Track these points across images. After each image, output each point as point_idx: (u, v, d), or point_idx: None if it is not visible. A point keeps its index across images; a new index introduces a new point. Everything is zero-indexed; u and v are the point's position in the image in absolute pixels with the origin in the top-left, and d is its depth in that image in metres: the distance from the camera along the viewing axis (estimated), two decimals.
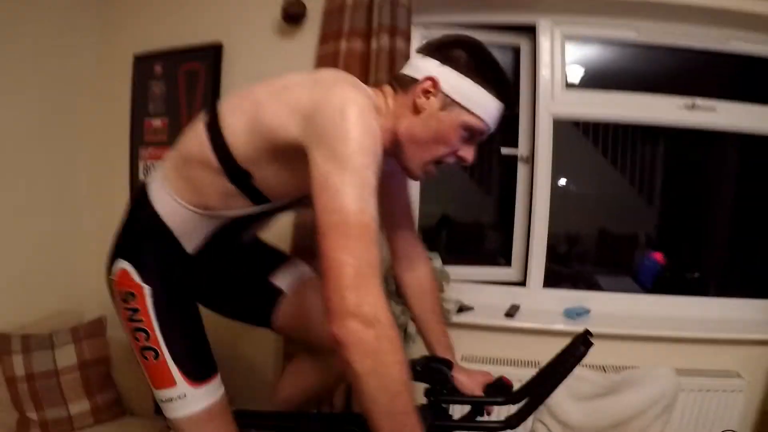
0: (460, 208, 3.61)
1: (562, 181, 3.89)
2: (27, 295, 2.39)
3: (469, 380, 1.51)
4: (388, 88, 1.29)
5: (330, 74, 1.20)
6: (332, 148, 1.01)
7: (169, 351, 1.28)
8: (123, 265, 1.31)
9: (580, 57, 2.67)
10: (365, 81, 2.09)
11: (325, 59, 2.14)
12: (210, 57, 2.45)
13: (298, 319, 1.59)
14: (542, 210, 2.33)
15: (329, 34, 2.15)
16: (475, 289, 2.42)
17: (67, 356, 2.26)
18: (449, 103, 1.19)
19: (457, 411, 1.49)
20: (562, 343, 1.95)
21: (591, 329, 1.25)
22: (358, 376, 0.94)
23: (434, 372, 1.44)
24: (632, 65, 2.99)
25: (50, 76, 2.49)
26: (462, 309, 2.27)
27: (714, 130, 2.31)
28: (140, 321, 1.29)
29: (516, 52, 2.46)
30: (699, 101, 2.28)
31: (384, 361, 0.95)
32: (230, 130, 1.20)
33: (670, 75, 2.82)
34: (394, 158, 1.28)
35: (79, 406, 2.22)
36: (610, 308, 2.31)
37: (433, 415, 1.39)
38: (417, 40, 2.41)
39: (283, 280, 1.62)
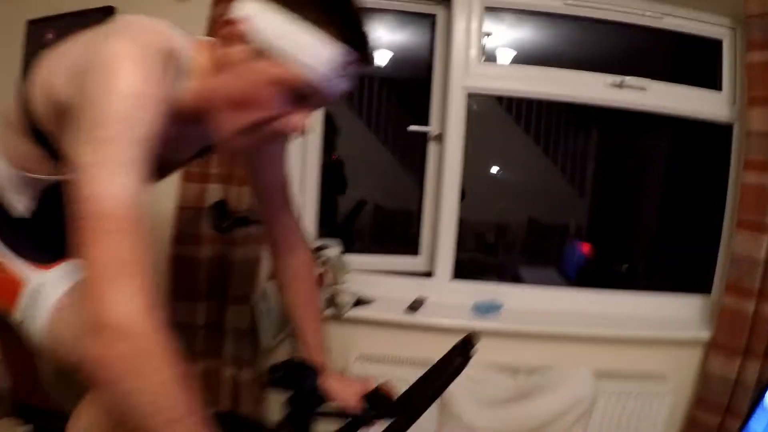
0: (389, 194, 3.38)
1: (494, 169, 3.71)
2: None
3: (343, 389, 1.27)
4: (212, 44, 0.95)
5: (118, 23, 0.90)
6: (89, 116, 0.78)
7: (14, 252, 1.06)
8: None
9: (513, 40, 2.45)
10: None
11: (217, 21, 1.86)
12: (103, 21, 2.15)
13: None
14: (451, 193, 2.08)
15: None
16: (378, 280, 2.16)
17: None
18: (260, 50, 0.86)
19: None
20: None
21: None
22: (111, 396, 0.74)
23: (297, 378, 1.21)
24: (563, 46, 2.79)
25: None
26: (360, 302, 2.01)
27: (642, 111, 2.11)
28: None
29: (434, 22, 2.21)
30: (628, 79, 2.09)
31: (145, 382, 0.72)
32: (39, 91, 0.93)
33: (602, 54, 2.64)
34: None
35: None
36: (528, 303, 2.09)
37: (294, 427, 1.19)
38: None
39: None
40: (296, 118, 0.91)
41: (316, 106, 0.95)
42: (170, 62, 0.86)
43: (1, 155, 1.07)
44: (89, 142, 0.76)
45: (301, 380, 1.21)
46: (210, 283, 1.97)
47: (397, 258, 2.23)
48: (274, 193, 1.29)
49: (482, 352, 1.81)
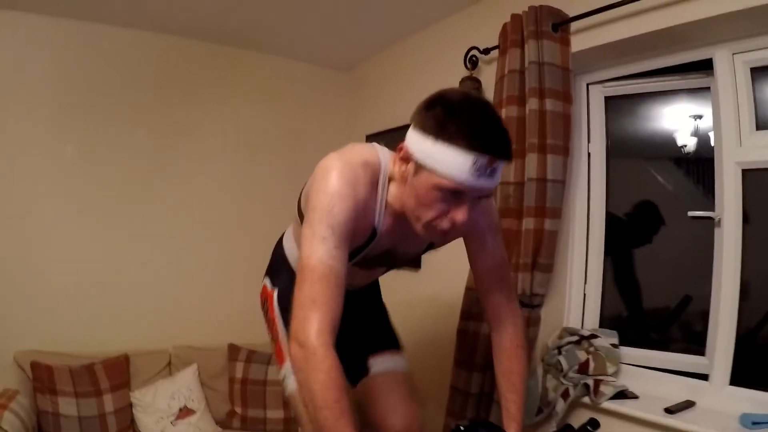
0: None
1: None
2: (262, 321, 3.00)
3: None
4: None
5: (342, 148, 1.33)
6: (309, 206, 1.22)
7: (285, 334, 1.54)
8: (264, 281, 1.73)
9: None
10: (521, 144, 2.15)
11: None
12: None
13: (366, 399, 1.71)
14: (729, 285, 1.84)
15: (497, 103, 2.23)
16: (654, 377, 2.04)
17: (276, 372, 2.74)
18: (419, 166, 1.17)
19: None
20: None
21: None
22: (298, 386, 1.13)
23: None
24: None
25: (304, 147, 3.33)
26: (624, 396, 1.95)
27: None
28: (268, 315, 1.65)
29: None
30: None
31: (308, 378, 1.08)
32: (303, 194, 1.44)
33: None
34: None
35: (275, 413, 2.66)
36: None
37: None
38: (596, 98, 2.33)
39: (375, 364, 1.73)
40: (457, 214, 1.18)
41: (473, 200, 1.19)
42: (370, 170, 1.26)
43: (292, 239, 1.63)
44: (306, 223, 1.20)
45: None
46: (486, 356, 2.22)
47: (680, 356, 2.06)
48: (488, 275, 1.52)
49: None
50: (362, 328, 1.71)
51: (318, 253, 1.14)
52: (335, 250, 1.15)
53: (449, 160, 1.12)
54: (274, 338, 1.61)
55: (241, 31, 3.11)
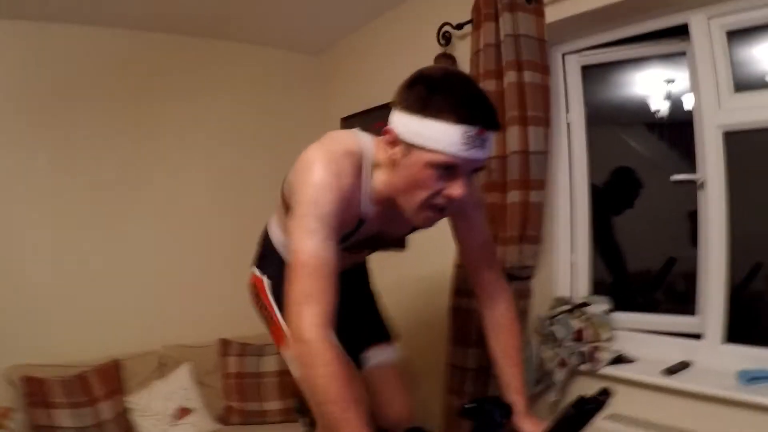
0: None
1: None
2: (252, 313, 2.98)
3: (533, 430, 1.38)
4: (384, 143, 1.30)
5: (323, 137, 1.32)
6: (295, 199, 1.23)
7: (281, 316, 1.51)
8: (252, 270, 1.70)
9: None
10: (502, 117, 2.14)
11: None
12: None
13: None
14: (716, 246, 1.88)
15: (474, 78, 2.20)
16: (647, 340, 2.08)
17: (270, 364, 2.74)
18: (408, 146, 1.17)
19: None
20: (731, 414, 1.62)
21: None
22: (299, 382, 1.12)
23: (483, 413, 1.36)
24: None
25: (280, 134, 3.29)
26: (621, 361, 2.00)
27: None
28: (262, 300, 1.61)
29: None
30: None
31: (311, 373, 1.07)
32: (286, 182, 1.43)
33: None
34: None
35: (273, 405, 2.66)
36: None
37: None
38: (573, 67, 2.32)
39: (369, 357, 1.75)
40: (453, 188, 1.18)
41: (467, 174, 1.19)
42: (353, 159, 1.24)
43: (278, 227, 1.62)
44: (293, 216, 1.19)
45: (488, 414, 1.36)
46: (481, 331, 2.24)
47: (671, 318, 2.10)
48: (476, 252, 1.54)
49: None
50: (354, 319, 1.68)
51: (308, 247, 1.14)
52: (325, 242, 1.15)
53: (439, 135, 1.12)
54: (271, 321, 1.58)
55: (208, 20, 3.03)
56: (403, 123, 1.17)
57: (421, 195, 1.20)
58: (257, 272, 1.67)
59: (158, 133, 3.15)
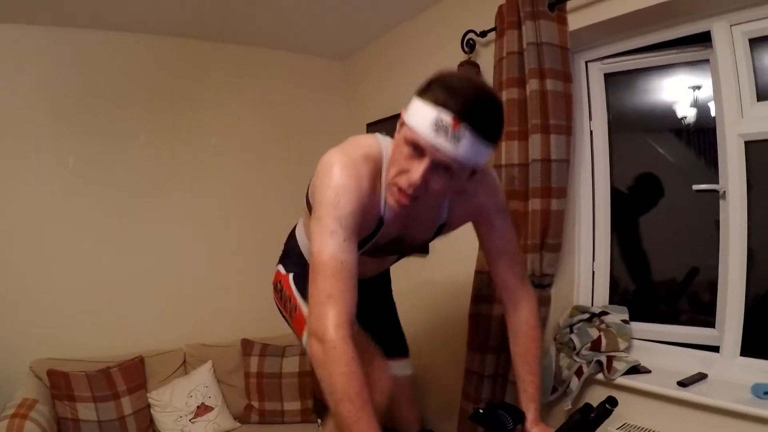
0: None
1: None
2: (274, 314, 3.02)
3: None
4: None
5: (344, 142, 1.34)
6: (316, 202, 1.25)
7: (304, 306, 1.53)
8: (278, 267, 1.74)
9: None
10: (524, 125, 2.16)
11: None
12: None
13: None
14: (736, 257, 1.86)
15: (497, 86, 2.23)
16: (664, 350, 2.07)
17: (291, 365, 2.78)
18: (401, 124, 1.22)
19: None
20: (743, 427, 1.61)
21: None
22: (317, 381, 1.12)
23: (494, 418, 1.37)
24: None
25: (306, 139, 3.34)
26: (636, 371, 1.98)
27: None
28: (286, 295, 1.63)
29: None
30: None
31: (329, 371, 1.09)
32: (311, 186, 1.46)
33: None
34: None
35: (292, 405, 2.69)
36: None
37: None
38: (595, 75, 2.32)
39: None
40: (413, 171, 1.17)
41: (436, 167, 1.16)
42: (372, 163, 1.27)
43: (303, 230, 1.66)
44: (314, 218, 1.22)
45: (499, 420, 1.36)
46: (499, 338, 2.24)
47: (690, 329, 2.08)
48: (499, 256, 1.54)
49: None
50: (374, 329, 1.66)
51: (328, 248, 1.16)
52: (345, 243, 1.17)
53: (418, 113, 1.16)
54: (293, 309, 1.59)
55: (235, 26, 3.09)
56: (410, 106, 1.20)
57: (392, 171, 1.23)
58: (282, 269, 1.71)
59: (186, 137, 3.21)
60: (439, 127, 1.11)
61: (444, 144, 1.12)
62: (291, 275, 1.65)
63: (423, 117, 1.14)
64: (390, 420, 1.73)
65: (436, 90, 1.14)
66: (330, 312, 1.11)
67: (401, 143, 1.20)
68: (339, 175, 1.22)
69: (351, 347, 1.09)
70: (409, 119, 1.18)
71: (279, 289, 1.69)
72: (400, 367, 1.81)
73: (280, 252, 1.82)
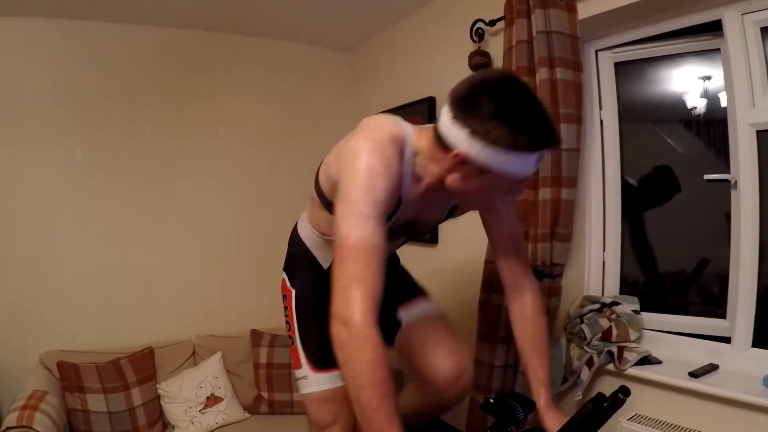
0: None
1: None
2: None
3: (556, 425, 1.38)
4: (429, 132, 1.31)
5: (362, 125, 1.34)
6: (343, 185, 1.22)
7: (300, 340, 1.64)
8: (282, 275, 1.74)
9: None
10: None
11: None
12: (426, 108, 2.93)
13: (406, 351, 1.71)
14: (748, 248, 1.84)
15: None
16: (675, 341, 2.06)
17: None
18: (484, 170, 1.20)
19: None
20: (755, 418, 1.61)
21: None
22: (339, 365, 1.10)
23: (505, 408, 1.36)
24: None
25: (313, 130, 3.32)
26: (647, 362, 1.97)
27: None
28: (287, 316, 1.69)
29: None
30: None
31: (353, 357, 1.07)
32: (321, 174, 1.48)
33: None
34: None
35: None
36: None
37: None
38: (606, 64, 2.30)
39: (406, 314, 1.74)
40: (517, 192, 1.36)
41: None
42: (397, 145, 1.27)
43: (308, 221, 1.65)
44: (343, 202, 1.20)
45: (508, 410, 1.35)
46: (509, 328, 2.23)
47: (701, 320, 2.07)
48: (504, 245, 1.57)
49: None
50: (387, 287, 1.71)
51: (360, 231, 1.14)
52: (377, 227, 1.16)
53: (520, 164, 1.19)
54: (290, 341, 1.67)
55: (242, 17, 3.08)
56: (482, 153, 1.17)
57: (492, 196, 1.40)
58: (287, 282, 1.72)
59: (194, 129, 3.22)
60: (538, 161, 1.23)
61: (535, 167, 1.25)
62: (294, 293, 1.68)
63: (526, 163, 1.20)
64: (424, 370, 1.65)
65: (528, 144, 1.16)
66: (357, 295, 1.09)
67: (495, 184, 1.25)
68: (370, 159, 1.21)
69: (377, 333, 1.08)
70: (509, 169, 1.19)
71: (284, 304, 1.71)
72: (422, 306, 1.76)
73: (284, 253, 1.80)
